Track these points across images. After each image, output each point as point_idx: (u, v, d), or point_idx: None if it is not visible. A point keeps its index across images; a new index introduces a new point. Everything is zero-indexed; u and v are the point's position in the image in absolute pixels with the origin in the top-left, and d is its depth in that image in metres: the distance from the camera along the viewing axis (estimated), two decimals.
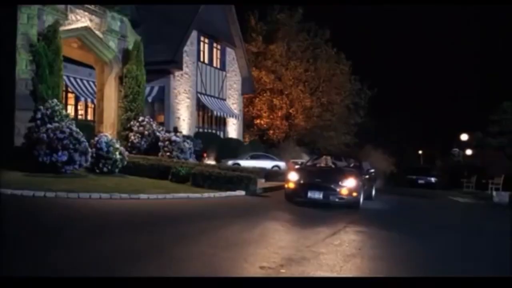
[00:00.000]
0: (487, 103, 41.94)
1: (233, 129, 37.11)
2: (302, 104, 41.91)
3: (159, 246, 6.98)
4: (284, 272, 5.98)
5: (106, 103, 20.21)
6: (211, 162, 26.98)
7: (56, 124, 14.46)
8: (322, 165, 15.13)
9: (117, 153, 15.48)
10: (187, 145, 19.72)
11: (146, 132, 19.85)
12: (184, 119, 32.37)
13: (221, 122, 36.25)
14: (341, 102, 42.82)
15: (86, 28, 18.92)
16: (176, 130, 30.52)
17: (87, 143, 14.65)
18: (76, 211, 9.57)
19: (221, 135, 35.75)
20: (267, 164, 29.31)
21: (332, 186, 12.53)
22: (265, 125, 42.60)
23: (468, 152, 35.13)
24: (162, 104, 31.90)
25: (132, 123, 19.99)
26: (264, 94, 42.15)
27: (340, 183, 12.56)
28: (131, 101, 20.08)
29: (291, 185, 13.01)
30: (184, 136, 30.15)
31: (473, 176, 30.07)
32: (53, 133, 14.10)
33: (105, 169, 15.26)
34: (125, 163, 15.84)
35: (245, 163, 28.18)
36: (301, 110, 42.13)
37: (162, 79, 30.74)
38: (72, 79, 27.66)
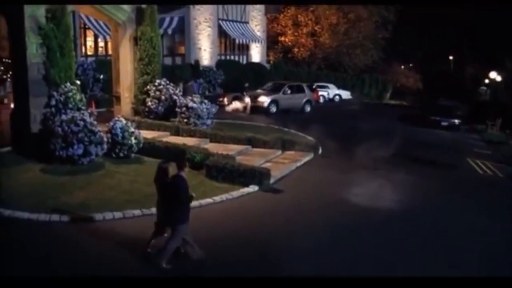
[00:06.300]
0: None
1: (256, 52, 36.41)
2: (328, 21, 40.49)
3: None
4: None
5: (121, 65, 19.88)
6: (237, 106, 26.71)
7: (70, 116, 14.53)
8: None
9: (132, 138, 15.62)
10: (204, 108, 19.59)
11: (163, 97, 19.77)
12: (206, 49, 31.82)
13: (244, 47, 35.51)
14: (368, 18, 41.26)
15: None
16: (197, 64, 30.17)
17: (102, 133, 14.79)
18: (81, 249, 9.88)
19: (244, 61, 35.23)
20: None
21: None
22: (289, 43, 41.65)
23: (498, 78, 33.72)
24: (182, 35, 31.29)
25: (148, 87, 19.85)
26: (289, 10, 40.77)
27: None
28: (147, 64, 19.75)
29: None
30: (206, 68, 29.83)
31: (498, 119, 29.39)
32: (67, 126, 14.24)
33: (121, 154, 15.54)
34: (141, 145, 16.01)
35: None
36: (327, 27, 40.80)
37: (182, 9, 29.95)
38: (91, 18, 27.19)
